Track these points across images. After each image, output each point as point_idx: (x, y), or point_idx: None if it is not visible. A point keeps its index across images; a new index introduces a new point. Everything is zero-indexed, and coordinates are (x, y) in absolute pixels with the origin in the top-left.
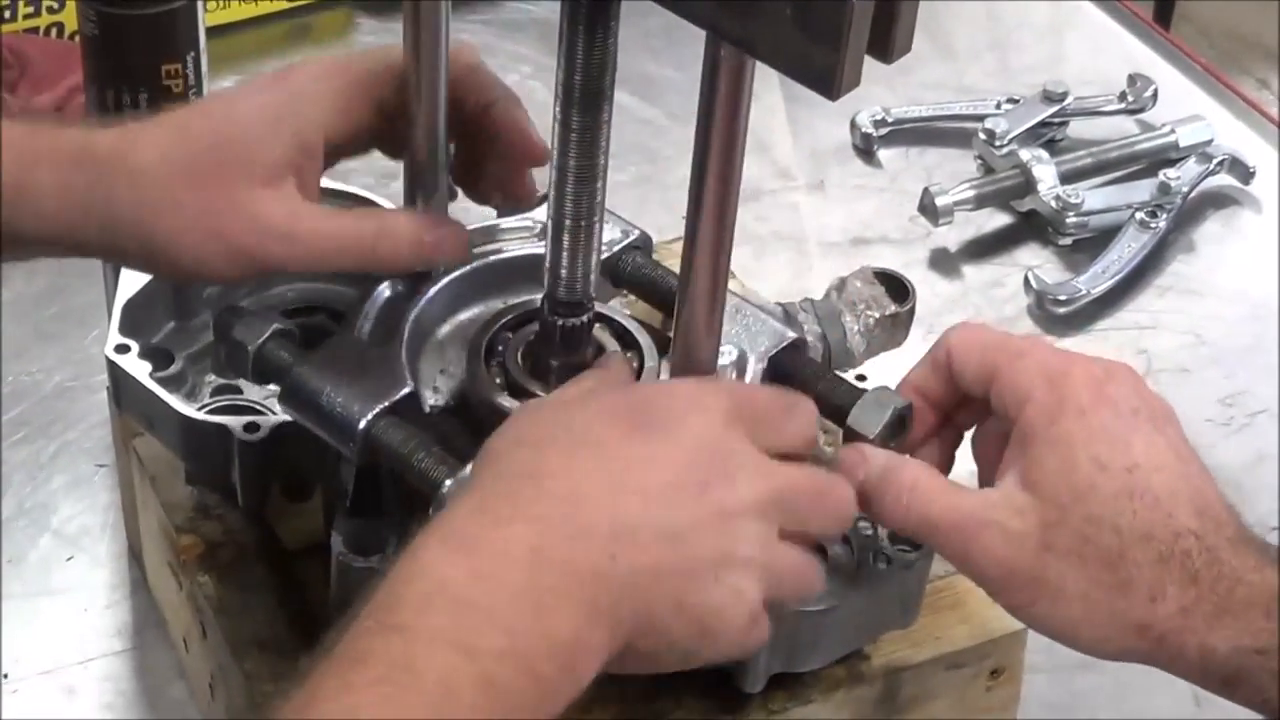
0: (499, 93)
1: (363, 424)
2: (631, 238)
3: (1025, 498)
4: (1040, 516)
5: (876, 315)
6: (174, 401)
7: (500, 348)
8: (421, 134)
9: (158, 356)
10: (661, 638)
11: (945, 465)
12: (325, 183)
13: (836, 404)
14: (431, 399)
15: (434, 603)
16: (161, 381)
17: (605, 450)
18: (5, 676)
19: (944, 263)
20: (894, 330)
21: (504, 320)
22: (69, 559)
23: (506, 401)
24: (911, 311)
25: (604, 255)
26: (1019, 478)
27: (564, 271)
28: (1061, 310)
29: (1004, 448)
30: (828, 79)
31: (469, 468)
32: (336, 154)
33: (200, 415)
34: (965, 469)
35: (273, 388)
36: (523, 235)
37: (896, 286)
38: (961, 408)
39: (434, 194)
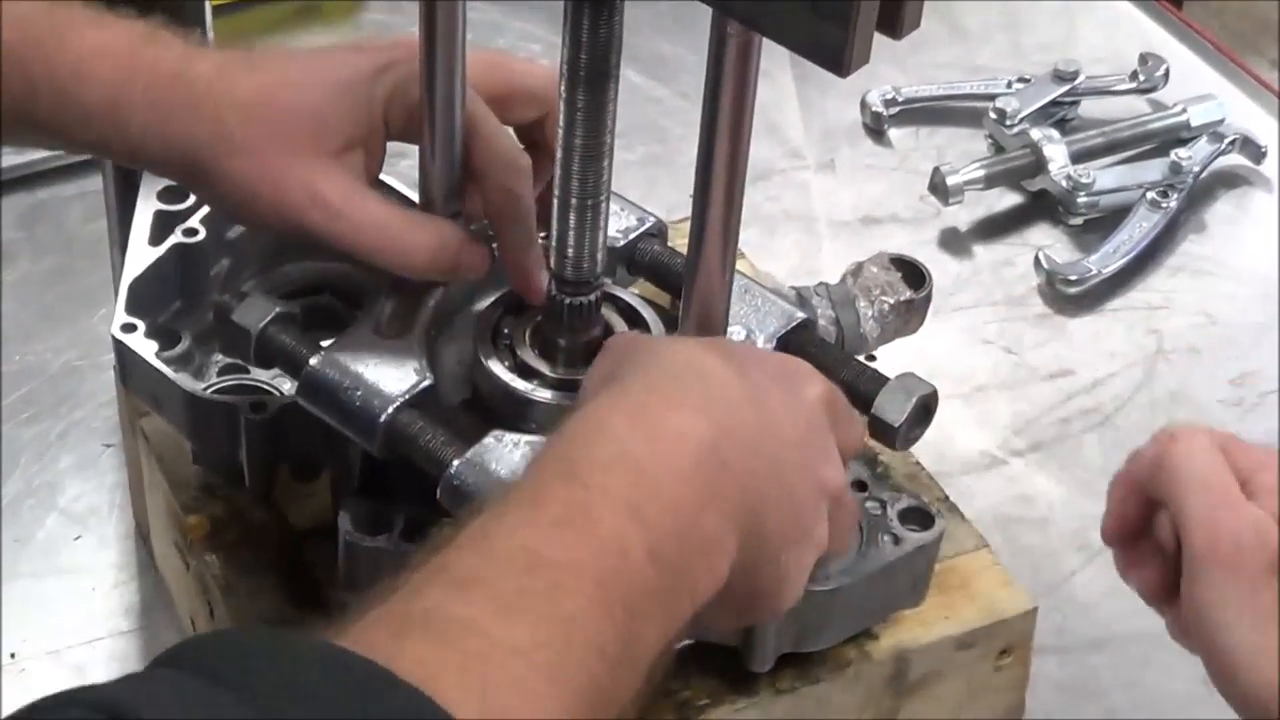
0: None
1: (383, 418)
2: (647, 225)
3: (1271, 523)
4: None
5: (891, 301)
6: (180, 380)
7: (507, 329)
8: (437, 132)
9: (164, 335)
10: (751, 583)
11: None
12: None
13: (861, 391)
14: (451, 390)
15: (615, 467)
16: (168, 361)
17: (750, 379)
18: (12, 656)
19: (954, 242)
20: (909, 317)
21: (510, 302)
22: (76, 539)
23: (517, 383)
24: (927, 298)
25: (620, 243)
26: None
27: (571, 250)
28: (1072, 290)
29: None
30: (837, 56)
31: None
32: (397, 133)
33: (207, 394)
34: (976, 449)
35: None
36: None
37: (913, 273)
38: None
39: (446, 189)
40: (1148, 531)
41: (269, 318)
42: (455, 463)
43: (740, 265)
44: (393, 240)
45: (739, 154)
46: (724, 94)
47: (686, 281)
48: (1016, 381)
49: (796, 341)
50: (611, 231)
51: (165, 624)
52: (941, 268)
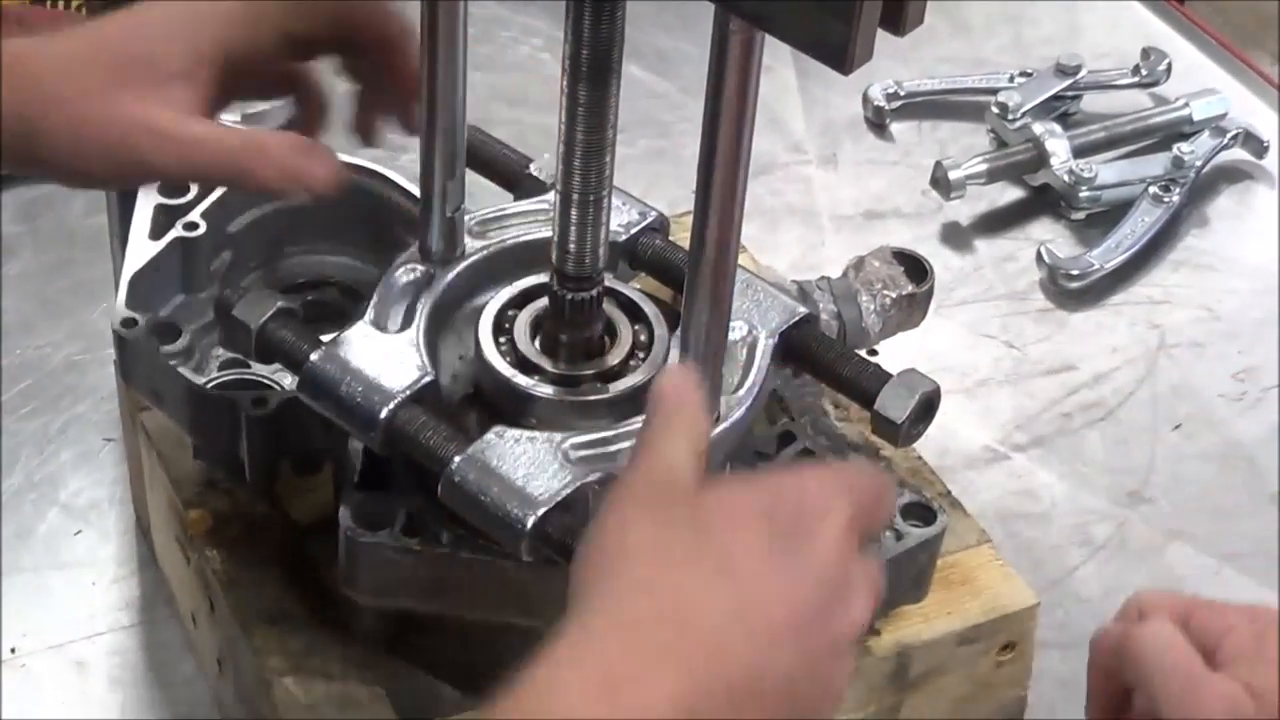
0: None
1: (384, 414)
2: (649, 219)
3: (1246, 693)
4: (1257, 711)
5: (893, 295)
6: (181, 375)
7: (508, 324)
8: (438, 128)
9: (164, 330)
10: None
11: None
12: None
13: (864, 388)
14: (451, 386)
15: None
16: (168, 355)
17: (740, 576)
18: (13, 651)
19: (956, 237)
20: (911, 311)
21: (511, 297)
22: (77, 533)
23: (518, 379)
24: (930, 292)
25: (621, 238)
26: (1238, 680)
27: (572, 245)
28: (1074, 285)
29: None
30: (840, 52)
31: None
32: (236, 72)
33: (208, 389)
34: (978, 443)
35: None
36: (538, 218)
37: (915, 267)
38: None
39: (446, 185)
40: (1132, 704)
41: (269, 313)
42: (456, 459)
43: (742, 259)
44: (228, 154)
45: (741, 150)
46: (726, 90)
47: (689, 277)
48: (1018, 376)
49: (798, 337)
50: (613, 226)
51: (166, 619)
52: (943, 262)
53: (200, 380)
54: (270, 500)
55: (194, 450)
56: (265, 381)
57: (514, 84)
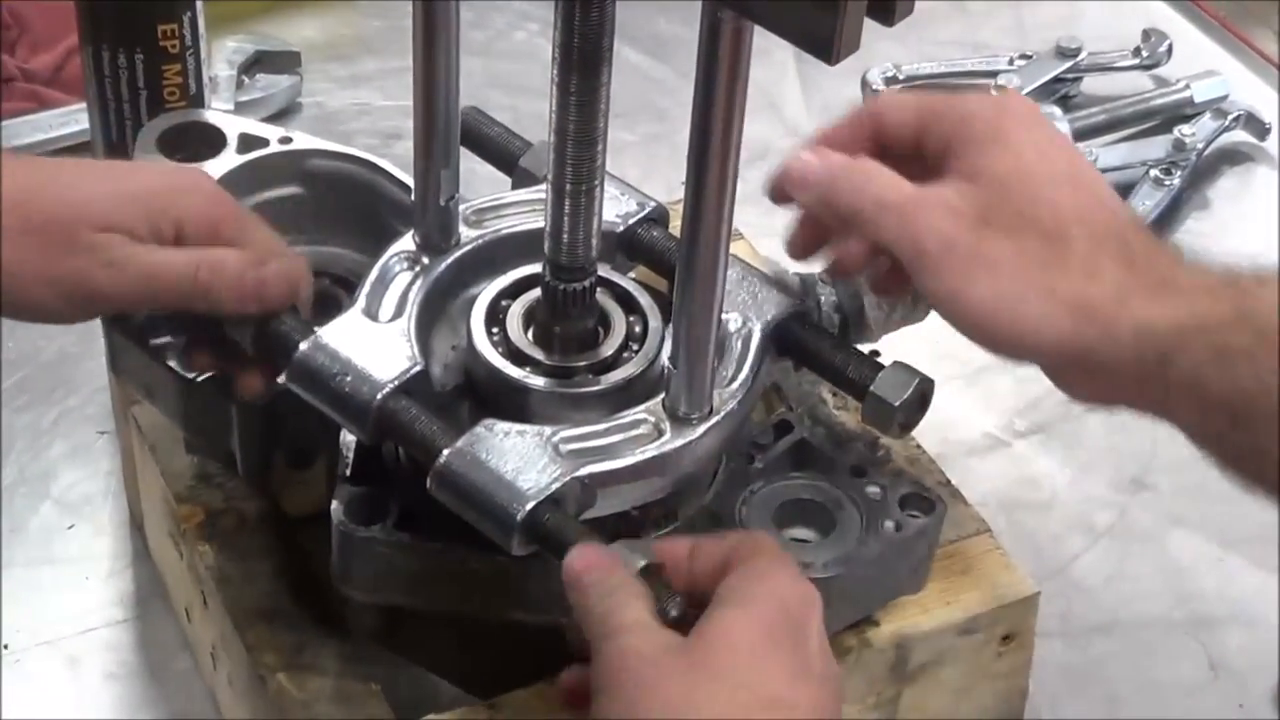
0: None
1: (373, 404)
2: (647, 210)
3: (968, 185)
4: (983, 197)
5: None
6: (171, 368)
7: (501, 315)
8: (436, 123)
9: (155, 322)
10: None
11: None
12: (326, 145)
13: (857, 381)
14: (443, 376)
15: None
16: (158, 348)
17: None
18: (6, 647)
19: None
20: (915, 305)
21: (505, 287)
22: (70, 527)
23: (510, 370)
24: None
25: (619, 228)
26: (960, 174)
27: (565, 236)
28: None
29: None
30: (826, 43)
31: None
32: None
33: (198, 382)
34: (979, 431)
35: None
36: (534, 208)
37: None
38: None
39: (445, 168)
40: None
41: None
42: (445, 452)
43: (739, 247)
44: (177, 277)
45: (731, 141)
46: (717, 80)
47: (680, 268)
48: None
49: (793, 329)
50: (611, 216)
51: (160, 614)
52: None
53: (190, 373)
54: (263, 494)
55: (186, 444)
56: None
57: (510, 70)
